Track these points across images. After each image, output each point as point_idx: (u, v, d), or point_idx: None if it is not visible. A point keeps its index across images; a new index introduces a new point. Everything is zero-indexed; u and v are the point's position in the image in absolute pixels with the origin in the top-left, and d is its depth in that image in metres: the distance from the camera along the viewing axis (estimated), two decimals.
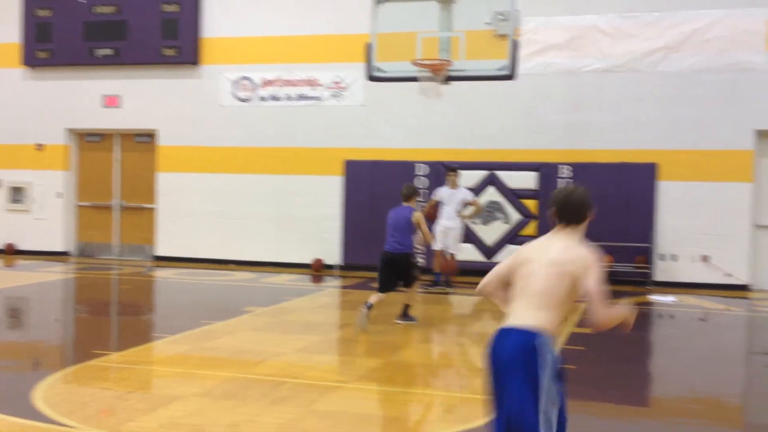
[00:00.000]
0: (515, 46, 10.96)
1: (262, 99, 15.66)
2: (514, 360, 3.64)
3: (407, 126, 14.85)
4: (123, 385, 6.37)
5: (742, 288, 13.28)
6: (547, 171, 14.15)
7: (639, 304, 12.02)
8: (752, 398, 7.09)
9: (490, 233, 14.38)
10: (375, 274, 14.51)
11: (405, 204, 9.74)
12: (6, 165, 16.96)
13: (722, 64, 13.31)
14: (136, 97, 16.36)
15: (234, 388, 6.28)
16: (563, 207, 3.89)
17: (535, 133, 14.24)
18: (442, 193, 12.75)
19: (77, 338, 9.17)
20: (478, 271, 15.00)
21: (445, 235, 12.74)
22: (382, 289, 9.31)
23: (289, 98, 15.52)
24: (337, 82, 15.22)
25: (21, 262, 15.82)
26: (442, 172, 13.64)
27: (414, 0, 11.36)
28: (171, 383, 6.57)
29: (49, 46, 16.50)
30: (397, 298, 9.62)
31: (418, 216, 9.57)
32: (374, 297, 9.14)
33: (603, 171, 13.90)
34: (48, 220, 16.84)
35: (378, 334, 8.91)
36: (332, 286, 13.68)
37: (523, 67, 12.37)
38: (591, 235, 12.59)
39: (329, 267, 15.14)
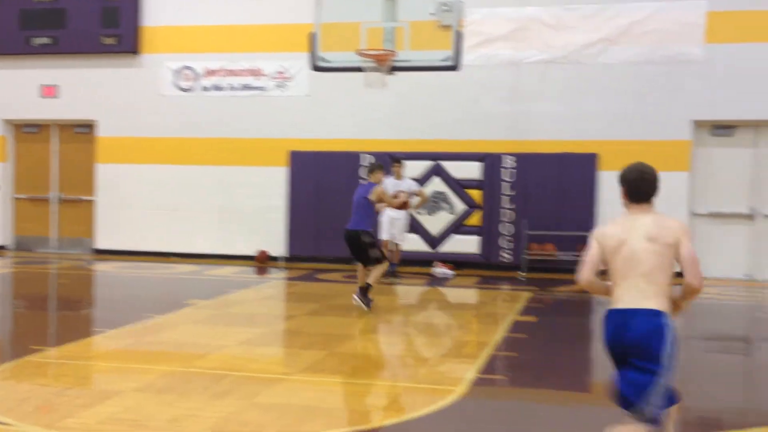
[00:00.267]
0: (459, 37, 11.01)
1: (205, 89, 15.46)
2: (643, 339, 3.85)
3: (352, 116, 14.81)
4: (61, 381, 6.23)
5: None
6: (491, 161, 14.27)
7: (581, 292, 12.22)
8: (689, 382, 7.25)
9: (436, 223, 14.46)
10: (321, 266, 14.56)
11: (369, 181, 9.86)
12: None
13: (661, 56, 13.56)
14: (74, 87, 15.99)
15: (175, 382, 6.19)
16: (639, 185, 4.11)
17: (480, 124, 14.34)
18: (387, 183, 12.74)
19: (14, 334, 8.92)
20: (424, 261, 15.17)
21: (391, 226, 12.78)
22: (362, 264, 9.82)
23: (232, 88, 15.34)
24: (281, 72, 15.10)
25: None
26: (388, 162, 13.64)
27: None
28: (110, 378, 6.45)
29: None
30: (347, 289, 9.60)
31: (375, 191, 9.61)
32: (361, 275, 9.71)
33: (545, 161, 14.08)
34: None
35: (323, 325, 8.88)
36: (277, 278, 13.59)
37: (467, 58, 12.43)
38: (533, 225, 12.68)
39: (274, 259, 15.04)
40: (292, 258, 15.00)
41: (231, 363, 6.89)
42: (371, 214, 9.91)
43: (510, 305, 11.03)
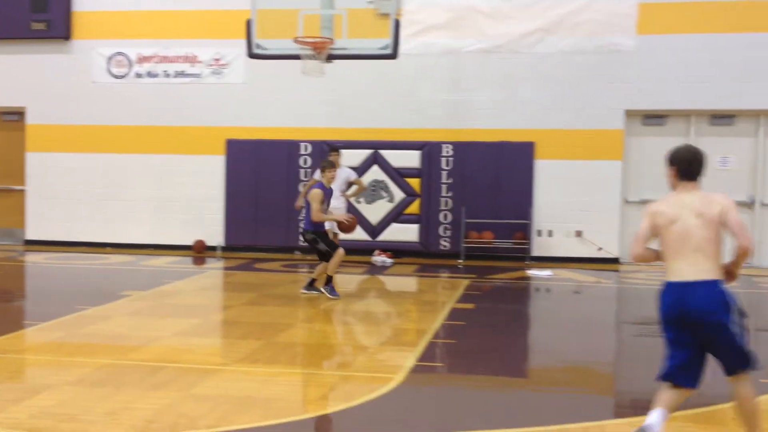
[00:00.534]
0: (397, 25, 11.02)
1: (139, 76, 15.15)
2: (709, 308, 4.21)
3: (290, 105, 14.70)
4: None
5: (613, 261, 13.90)
6: (430, 150, 14.34)
7: (518, 279, 12.41)
8: (622, 365, 7.44)
9: (375, 212, 14.48)
10: (259, 255, 14.44)
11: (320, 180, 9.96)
12: None
13: (594, 46, 13.78)
14: (3, 74, 15.49)
15: (109, 375, 6.08)
16: (691, 164, 4.40)
17: (418, 113, 14.39)
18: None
19: None
20: (363, 250, 15.16)
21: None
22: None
23: (167, 75, 15.06)
24: (217, 59, 14.89)
25: None
26: (326, 151, 13.58)
27: None
28: (42, 372, 6.30)
29: None
30: (285, 278, 9.54)
31: (311, 195, 9.59)
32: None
33: (484, 150, 14.21)
34: None
35: (261, 315, 8.82)
36: (214, 267, 13.44)
37: (405, 47, 12.46)
38: (472, 213, 12.79)
39: (212, 248, 14.87)
40: (230, 247, 14.85)
41: (167, 354, 6.80)
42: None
43: (449, 293, 11.13)
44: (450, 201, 14.30)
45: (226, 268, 13.29)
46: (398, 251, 14.36)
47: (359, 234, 14.29)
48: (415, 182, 14.39)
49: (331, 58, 10.97)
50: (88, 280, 11.93)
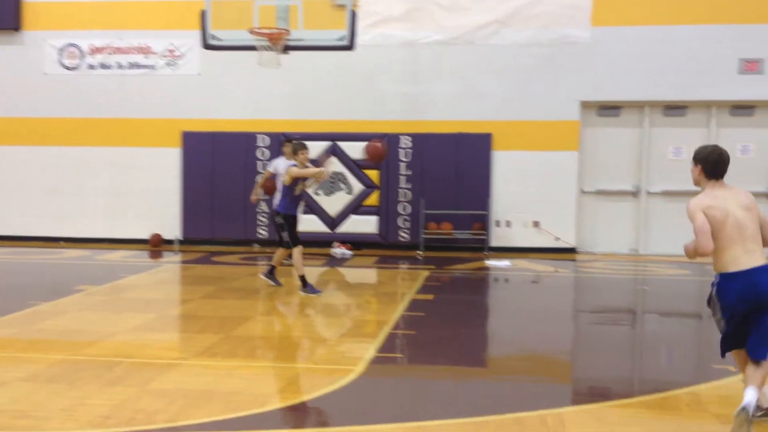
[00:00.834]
0: (354, 16, 10.99)
1: (91, 67, 14.89)
2: None
3: (246, 96, 14.58)
4: None
5: (570, 251, 14.06)
6: (388, 141, 14.31)
7: (477, 269, 12.48)
8: (579, 354, 7.53)
9: (333, 204, 14.44)
10: (216, 248, 14.32)
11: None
12: None
13: (549, 38, 13.91)
14: None
15: (64, 371, 5.97)
16: (719, 163, 4.71)
17: (376, 104, 14.38)
18: (280, 164, 12.58)
19: None
20: (322, 242, 15.10)
21: None
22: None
23: (120, 66, 14.83)
24: (171, 50, 14.69)
25: None
26: (281, 142, 13.49)
27: None
28: None
29: None
30: (243, 271, 9.46)
31: (290, 171, 9.49)
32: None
33: (441, 141, 14.25)
34: None
35: (219, 308, 8.74)
36: (171, 261, 13.29)
37: (362, 38, 12.44)
38: (430, 204, 12.81)
39: (168, 242, 14.70)
40: (187, 241, 14.70)
41: (123, 350, 6.70)
42: (287, 194, 9.76)
43: (408, 284, 11.15)
44: (409, 192, 14.32)
45: (184, 262, 13.15)
46: (357, 243, 14.34)
47: (318, 226, 14.27)
48: (373, 174, 14.38)
49: (287, 49, 10.91)
50: (42, 275, 11.71)
